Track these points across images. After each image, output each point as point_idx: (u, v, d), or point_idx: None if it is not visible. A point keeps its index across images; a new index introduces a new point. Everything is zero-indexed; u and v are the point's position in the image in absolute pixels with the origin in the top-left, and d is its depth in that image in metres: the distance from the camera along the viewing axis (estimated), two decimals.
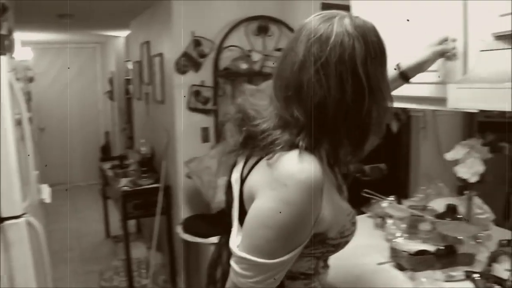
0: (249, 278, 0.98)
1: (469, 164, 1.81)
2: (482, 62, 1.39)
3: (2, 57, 1.94)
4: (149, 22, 4.07)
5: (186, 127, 3.34)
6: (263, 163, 1.00)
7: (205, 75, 3.31)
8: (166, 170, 3.57)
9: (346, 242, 1.12)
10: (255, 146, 1.03)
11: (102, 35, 6.35)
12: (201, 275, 3.20)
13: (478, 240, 1.73)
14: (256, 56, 3.25)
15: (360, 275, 1.66)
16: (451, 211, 1.89)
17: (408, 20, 1.70)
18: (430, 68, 1.52)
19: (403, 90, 1.50)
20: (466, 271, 1.52)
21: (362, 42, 0.96)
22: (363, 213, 2.28)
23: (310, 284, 1.12)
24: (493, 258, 1.29)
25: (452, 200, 2.00)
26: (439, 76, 1.57)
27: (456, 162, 1.90)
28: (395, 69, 1.46)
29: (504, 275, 1.34)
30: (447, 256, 1.62)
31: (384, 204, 2.11)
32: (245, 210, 1.03)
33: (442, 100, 1.55)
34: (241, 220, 1.04)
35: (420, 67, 1.48)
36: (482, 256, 1.61)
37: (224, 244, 1.21)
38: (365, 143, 1.02)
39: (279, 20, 3.46)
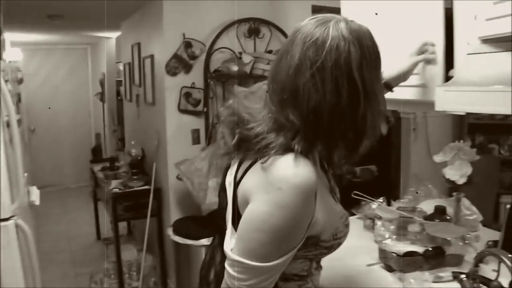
0: (243, 281, 0.98)
1: (457, 166, 1.83)
2: (469, 65, 1.40)
3: None
4: (140, 23, 4.06)
5: (176, 129, 3.33)
6: (257, 166, 1.00)
7: (195, 77, 3.31)
8: (156, 172, 3.57)
9: (339, 244, 1.13)
10: (249, 149, 1.03)
11: (93, 36, 6.32)
12: (191, 277, 3.19)
13: (466, 241, 1.74)
14: (247, 58, 3.25)
15: (350, 276, 1.67)
16: (439, 212, 1.91)
17: (376, 14, 1.72)
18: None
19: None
20: (454, 272, 1.53)
21: (358, 46, 0.96)
22: (353, 214, 2.29)
23: (303, 285, 1.13)
24: (480, 259, 1.30)
25: (441, 202, 2.02)
26: (420, 80, 1.60)
27: (444, 164, 1.92)
28: None
29: (491, 275, 1.36)
30: (435, 257, 1.64)
31: (374, 205, 2.12)
32: (239, 213, 1.04)
33: (424, 104, 1.58)
34: (235, 223, 1.05)
35: (403, 77, 1.51)
36: (470, 257, 1.63)
37: (217, 245, 1.22)
38: (360, 147, 1.03)
39: (270, 22, 3.47)
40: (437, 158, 1.91)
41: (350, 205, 2.27)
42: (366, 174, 4.02)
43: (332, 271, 1.51)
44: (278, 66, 1.02)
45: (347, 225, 1.15)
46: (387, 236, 1.76)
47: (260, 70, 3.24)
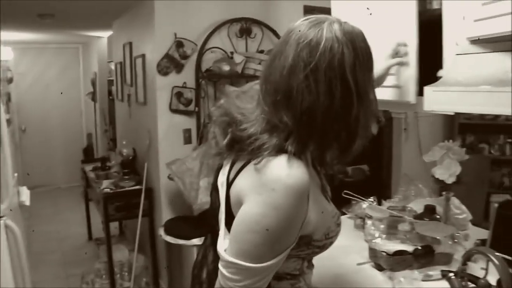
0: (237, 282, 0.99)
1: (446, 165, 1.84)
2: (458, 65, 1.41)
3: None
4: (132, 23, 4.05)
5: (168, 129, 3.33)
6: (250, 167, 1.00)
7: (187, 76, 3.31)
8: (148, 171, 3.56)
9: (331, 243, 1.14)
10: (242, 150, 1.03)
11: (85, 35, 6.29)
12: (183, 277, 3.19)
13: (455, 240, 1.76)
14: (238, 58, 3.25)
15: (340, 275, 1.68)
16: (429, 211, 1.92)
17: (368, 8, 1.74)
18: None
19: None
20: (443, 271, 1.55)
21: (351, 48, 0.97)
22: (343, 214, 2.30)
23: (296, 284, 1.14)
24: (468, 257, 1.31)
25: (431, 201, 2.03)
26: (396, 82, 1.62)
27: (434, 164, 1.93)
28: None
29: (480, 273, 1.37)
30: (425, 256, 1.65)
31: (364, 205, 2.13)
32: (232, 214, 1.04)
33: (400, 104, 1.60)
34: (228, 224, 1.05)
35: (378, 81, 1.52)
36: (460, 255, 1.64)
37: (209, 245, 1.22)
38: (352, 147, 1.03)
39: (261, 22, 3.47)
40: (427, 158, 1.92)
41: (341, 204, 2.28)
42: (358, 173, 4.04)
43: (322, 270, 1.52)
44: (271, 66, 1.02)
45: (338, 224, 1.15)
46: (377, 235, 1.77)
47: (251, 70, 3.24)
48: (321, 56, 0.95)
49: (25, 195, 2.47)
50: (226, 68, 3.18)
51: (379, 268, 1.68)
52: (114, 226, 4.75)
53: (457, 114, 3.95)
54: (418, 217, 1.90)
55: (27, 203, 2.48)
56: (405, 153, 3.80)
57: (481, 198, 3.93)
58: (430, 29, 1.55)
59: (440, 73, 1.50)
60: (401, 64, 1.58)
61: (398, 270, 1.61)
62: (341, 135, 1.00)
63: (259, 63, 3.21)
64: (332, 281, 1.64)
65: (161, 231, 3.14)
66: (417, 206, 2.03)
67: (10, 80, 5.69)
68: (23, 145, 6.91)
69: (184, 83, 3.29)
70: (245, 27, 3.43)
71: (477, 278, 1.29)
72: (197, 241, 2.88)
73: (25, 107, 6.97)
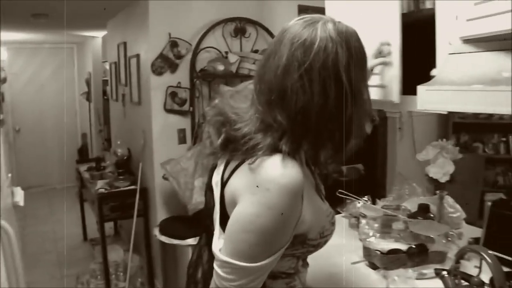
0: (232, 281, 0.99)
1: (440, 164, 1.85)
2: (451, 65, 1.42)
3: None
4: (126, 22, 4.04)
5: (162, 129, 3.32)
6: (244, 167, 1.00)
7: (181, 76, 3.31)
8: (142, 171, 3.55)
9: (326, 242, 1.14)
10: (236, 149, 1.04)
11: (79, 35, 6.27)
12: (178, 277, 3.19)
13: (449, 239, 1.76)
14: (233, 58, 3.25)
15: (334, 274, 1.68)
16: (423, 210, 1.92)
17: None
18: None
19: None
20: (436, 269, 1.55)
21: (345, 47, 0.97)
22: (338, 213, 2.30)
23: (291, 282, 1.14)
24: (461, 256, 1.32)
25: (425, 200, 2.04)
26: (380, 81, 1.63)
27: (428, 163, 1.94)
28: None
29: (474, 272, 1.38)
30: (418, 255, 1.66)
31: (359, 204, 2.13)
32: (226, 214, 1.04)
33: (385, 103, 1.60)
34: (223, 224, 1.05)
35: None
36: (453, 253, 1.65)
37: (203, 245, 1.22)
38: (346, 146, 1.04)
39: (256, 21, 3.47)
40: (420, 157, 1.93)
41: (336, 203, 2.28)
42: (353, 173, 4.04)
43: (317, 269, 1.52)
44: (265, 66, 1.02)
45: (333, 223, 1.16)
46: (371, 234, 1.78)
47: (246, 69, 3.24)
48: (315, 56, 0.95)
49: (19, 195, 2.46)
50: (220, 67, 3.18)
51: (373, 267, 1.69)
52: (109, 226, 4.75)
53: (451, 113, 3.97)
54: (412, 216, 1.91)
55: (21, 203, 2.46)
56: (400, 152, 3.80)
57: (476, 197, 3.94)
58: (424, 28, 1.56)
59: (433, 72, 1.51)
60: (384, 63, 1.58)
61: (392, 268, 1.61)
62: (335, 135, 1.01)
63: (254, 63, 3.21)
64: (326, 280, 1.64)
65: (156, 231, 3.14)
66: (411, 205, 2.03)
67: (3, 80, 5.65)
68: (17, 145, 6.88)
69: (179, 83, 3.29)
70: (240, 26, 3.43)
71: (470, 276, 1.30)
72: (192, 241, 2.88)
73: (19, 107, 6.94)
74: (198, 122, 3.28)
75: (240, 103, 1.09)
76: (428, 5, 1.60)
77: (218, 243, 1.04)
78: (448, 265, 1.60)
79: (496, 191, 4.13)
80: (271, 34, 3.42)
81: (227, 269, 0.99)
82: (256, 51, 3.39)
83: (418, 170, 2.13)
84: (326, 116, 0.97)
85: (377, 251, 1.67)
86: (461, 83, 1.31)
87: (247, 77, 3.05)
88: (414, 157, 2.00)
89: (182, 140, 3.35)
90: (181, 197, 2.94)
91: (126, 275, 3.64)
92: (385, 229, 1.82)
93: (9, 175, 2.34)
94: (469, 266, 1.58)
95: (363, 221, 1.90)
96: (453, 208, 2.00)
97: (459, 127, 4.30)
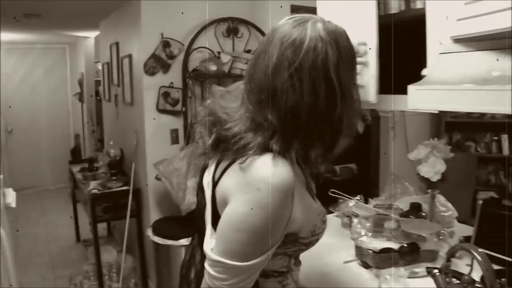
0: (223, 281, 0.99)
1: (431, 163, 1.85)
2: (441, 64, 1.43)
3: None
4: (118, 22, 4.03)
5: (155, 129, 3.32)
6: (235, 166, 1.00)
7: (174, 76, 3.30)
8: (135, 172, 3.54)
9: (317, 240, 1.14)
10: (227, 149, 1.04)
11: (72, 35, 6.25)
12: (172, 277, 3.18)
13: (441, 237, 1.77)
14: (225, 58, 3.25)
15: (327, 273, 1.69)
16: (415, 209, 1.94)
17: None
18: None
19: None
20: (428, 267, 1.56)
21: (335, 47, 0.98)
22: (331, 212, 2.31)
23: (283, 281, 1.14)
24: (452, 254, 1.33)
25: (417, 199, 2.05)
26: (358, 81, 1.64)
27: (420, 162, 1.95)
28: None
29: (465, 270, 1.38)
30: (410, 253, 1.66)
31: (351, 203, 2.14)
32: (218, 214, 1.04)
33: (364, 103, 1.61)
34: (214, 223, 1.05)
35: None
36: (445, 252, 1.65)
37: (196, 245, 1.22)
38: (336, 145, 1.04)
39: (249, 21, 3.47)
40: (412, 156, 1.93)
41: (329, 203, 2.29)
42: (346, 172, 4.05)
43: (309, 269, 1.53)
44: (255, 66, 1.02)
45: (324, 221, 1.16)
46: (363, 233, 1.78)
47: (238, 69, 3.24)
48: (305, 55, 0.96)
49: (11, 197, 2.45)
50: (213, 68, 3.18)
51: (366, 266, 1.69)
52: (102, 227, 4.72)
53: (444, 112, 3.99)
54: (404, 215, 1.92)
55: (13, 205, 2.45)
56: (393, 152, 3.82)
57: (468, 196, 3.96)
58: (415, 28, 1.57)
59: (424, 72, 1.52)
60: (362, 64, 1.59)
61: (384, 267, 1.62)
62: (325, 134, 1.01)
63: (246, 63, 3.20)
64: (319, 279, 1.65)
65: (149, 232, 3.13)
66: (403, 204, 2.04)
67: None
68: (10, 146, 6.83)
69: (171, 83, 3.29)
70: (232, 26, 3.43)
71: (462, 274, 1.31)
72: (185, 241, 2.88)
73: (12, 108, 6.90)
74: (191, 122, 3.28)
75: (231, 103, 1.10)
76: (419, 5, 1.61)
77: (210, 243, 1.04)
78: (439, 263, 1.61)
79: (488, 190, 4.16)
80: (263, 34, 3.42)
81: (219, 269, 0.99)
82: (248, 51, 3.39)
83: (411, 169, 2.14)
84: (316, 115, 0.97)
85: (369, 250, 1.67)
86: (452, 83, 1.32)
87: (240, 77, 3.04)
88: (406, 156, 2.01)
89: (174, 141, 3.35)
90: (174, 197, 2.94)
91: (120, 276, 3.63)
92: (377, 228, 1.83)
93: (1, 176, 2.33)
94: (461, 265, 1.58)
95: (355, 220, 1.91)
96: (445, 207, 2.01)
97: (451, 126, 4.32)
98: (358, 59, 1.56)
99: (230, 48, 3.43)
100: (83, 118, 6.92)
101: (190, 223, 2.82)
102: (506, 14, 1.14)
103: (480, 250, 1.21)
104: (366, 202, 2.18)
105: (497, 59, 1.27)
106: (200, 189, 1.18)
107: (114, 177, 3.71)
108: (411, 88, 1.40)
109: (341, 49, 0.99)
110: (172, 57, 3.27)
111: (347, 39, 1.03)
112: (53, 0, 3.48)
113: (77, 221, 4.96)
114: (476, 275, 1.33)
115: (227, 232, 0.99)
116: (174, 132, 3.34)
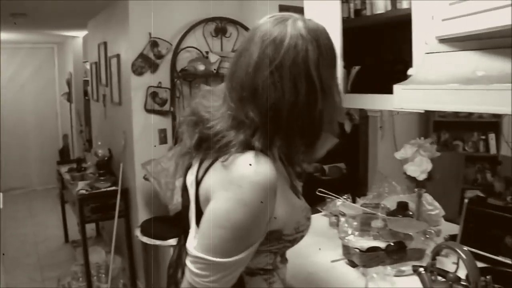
0: (205, 277, 0.98)
1: (418, 162, 1.87)
2: (427, 64, 1.44)
3: None
4: (106, 22, 4.01)
5: (143, 129, 3.30)
6: (218, 165, 1.00)
7: (162, 76, 3.29)
8: (123, 172, 3.53)
9: (302, 237, 1.14)
10: (209, 148, 1.04)
11: (60, 35, 6.20)
12: (161, 277, 3.18)
13: (427, 236, 1.79)
14: (213, 58, 3.25)
15: (314, 272, 1.69)
16: (402, 208, 1.95)
17: None
18: None
19: None
20: (414, 266, 1.57)
21: (315, 45, 0.99)
22: (318, 211, 2.31)
23: (270, 279, 1.14)
24: (437, 252, 1.34)
25: (404, 198, 2.06)
26: None
27: (406, 161, 1.96)
28: None
29: (452, 268, 1.39)
30: (397, 252, 1.67)
31: (339, 202, 2.15)
32: (202, 212, 1.04)
33: None
34: (198, 222, 1.04)
35: None
36: (431, 250, 1.67)
37: (183, 245, 1.22)
38: (317, 142, 1.05)
39: (237, 21, 3.47)
40: (398, 155, 1.95)
41: (316, 202, 2.30)
42: (335, 171, 4.06)
43: (296, 268, 1.53)
44: (236, 64, 1.03)
45: (308, 218, 1.16)
46: (350, 232, 1.79)
47: (226, 69, 3.23)
48: (286, 53, 0.97)
49: None
50: (201, 67, 3.18)
51: (353, 264, 1.70)
52: (91, 227, 4.70)
53: (432, 112, 4.02)
54: (391, 213, 1.93)
55: (0, 206, 2.44)
56: (381, 151, 3.83)
57: (456, 194, 3.99)
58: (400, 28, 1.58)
59: (410, 71, 1.53)
60: None
61: (371, 266, 1.62)
62: (306, 130, 1.02)
63: None
64: (306, 278, 1.65)
65: (138, 232, 3.12)
66: (390, 203, 2.05)
67: None
68: None
69: (159, 83, 3.27)
70: (220, 26, 3.42)
71: (447, 272, 1.31)
72: (173, 241, 2.87)
73: None
74: (179, 122, 3.27)
75: (213, 102, 1.10)
76: (404, 5, 1.62)
77: (194, 241, 1.04)
78: (426, 262, 1.62)
79: (476, 188, 4.19)
80: None
81: (200, 265, 0.99)
82: None
83: (399, 168, 2.15)
84: (297, 112, 0.98)
85: (356, 249, 1.68)
86: (437, 82, 1.33)
87: None
88: (394, 156, 2.02)
89: (163, 140, 3.34)
90: (162, 197, 2.93)
91: (108, 276, 3.61)
92: (364, 227, 1.83)
93: None
94: (448, 263, 1.60)
95: (343, 219, 1.91)
96: (432, 206, 2.03)
97: (439, 126, 4.36)
98: None
99: (218, 48, 3.43)
100: (72, 118, 6.87)
101: (179, 223, 2.80)
102: (491, 14, 1.16)
103: (465, 248, 1.22)
104: (354, 201, 2.19)
105: (481, 59, 1.28)
106: (184, 189, 1.18)
107: (102, 178, 3.69)
108: (397, 87, 1.41)
109: (321, 47, 1.00)
110: (160, 57, 3.26)
111: (327, 37, 1.04)
112: (40, 0, 3.45)
113: (65, 221, 4.92)
114: (463, 273, 1.34)
115: (209, 228, 0.99)
116: (162, 132, 3.33)
